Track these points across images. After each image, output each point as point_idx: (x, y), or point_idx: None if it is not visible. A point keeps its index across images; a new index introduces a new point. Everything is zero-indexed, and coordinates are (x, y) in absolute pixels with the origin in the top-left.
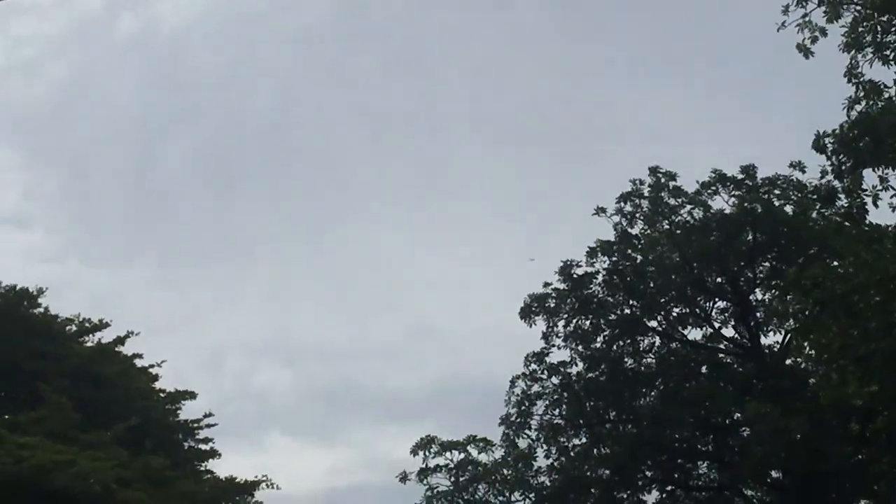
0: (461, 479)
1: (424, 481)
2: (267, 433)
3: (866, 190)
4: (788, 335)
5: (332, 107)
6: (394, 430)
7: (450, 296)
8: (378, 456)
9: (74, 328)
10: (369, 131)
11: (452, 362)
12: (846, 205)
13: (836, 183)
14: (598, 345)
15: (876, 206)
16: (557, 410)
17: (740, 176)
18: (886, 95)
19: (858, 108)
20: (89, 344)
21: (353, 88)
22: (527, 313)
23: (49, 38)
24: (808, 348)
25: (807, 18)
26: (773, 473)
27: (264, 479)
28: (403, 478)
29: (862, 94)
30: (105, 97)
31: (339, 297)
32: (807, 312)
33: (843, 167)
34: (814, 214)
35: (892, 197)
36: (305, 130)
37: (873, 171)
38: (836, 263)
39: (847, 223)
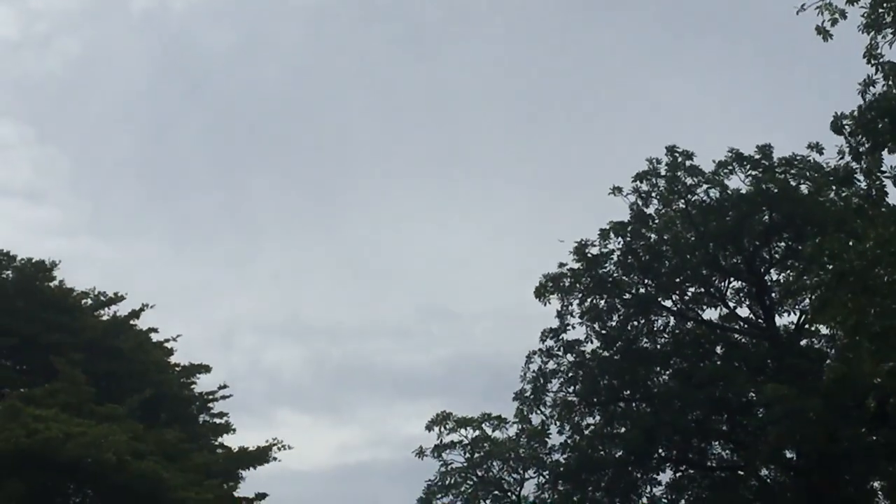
0: (475, 455)
1: (439, 457)
2: (278, 410)
3: (885, 171)
4: (803, 315)
5: (344, 84)
6: (404, 408)
7: (461, 275)
8: (388, 433)
9: (90, 301)
10: (382, 109)
11: (463, 341)
12: (865, 186)
13: (854, 164)
14: (612, 324)
15: (885, 189)
16: (572, 388)
17: (757, 156)
18: None
19: (874, 89)
20: (104, 317)
21: (365, 65)
22: (541, 292)
23: (63, 13)
24: (823, 325)
25: (827, 1)
26: (788, 454)
27: (276, 441)
28: (420, 453)
29: (880, 75)
30: (118, 73)
31: (350, 275)
32: (823, 288)
33: (861, 148)
34: (831, 195)
35: None
36: (317, 108)
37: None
38: (852, 242)
39: (866, 205)
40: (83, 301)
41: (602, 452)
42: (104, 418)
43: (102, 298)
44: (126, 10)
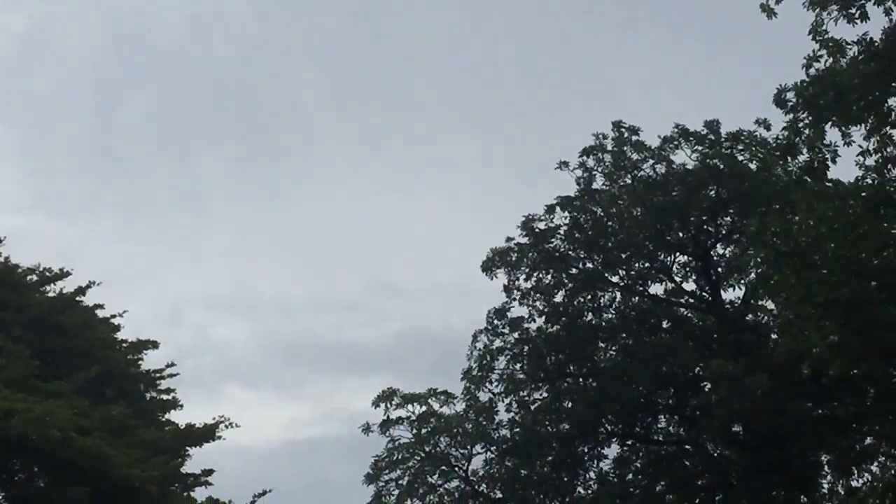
0: (423, 431)
1: (387, 433)
2: (226, 386)
3: (828, 145)
4: (749, 290)
5: (294, 60)
6: (353, 383)
7: (410, 250)
8: (337, 409)
9: (35, 278)
10: (331, 85)
11: (412, 317)
12: (807, 159)
13: (796, 138)
14: (559, 299)
15: (834, 162)
16: (518, 365)
17: (703, 131)
18: (851, 53)
19: (817, 65)
20: (50, 294)
21: (315, 41)
22: (488, 266)
23: None
24: (767, 300)
25: None
26: (734, 428)
27: (222, 419)
28: (366, 429)
29: (824, 51)
30: (66, 49)
31: (298, 251)
32: (766, 265)
33: (802, 123)
34: (778, 171)
35: (857, 155)
36: (267, 84)
37: (837, 128)
38: (796, 217)
39: (808, 178)
40: (28, 277)
41: (548, 427)
42: (49, 395)
43: (48, 275)
44: None
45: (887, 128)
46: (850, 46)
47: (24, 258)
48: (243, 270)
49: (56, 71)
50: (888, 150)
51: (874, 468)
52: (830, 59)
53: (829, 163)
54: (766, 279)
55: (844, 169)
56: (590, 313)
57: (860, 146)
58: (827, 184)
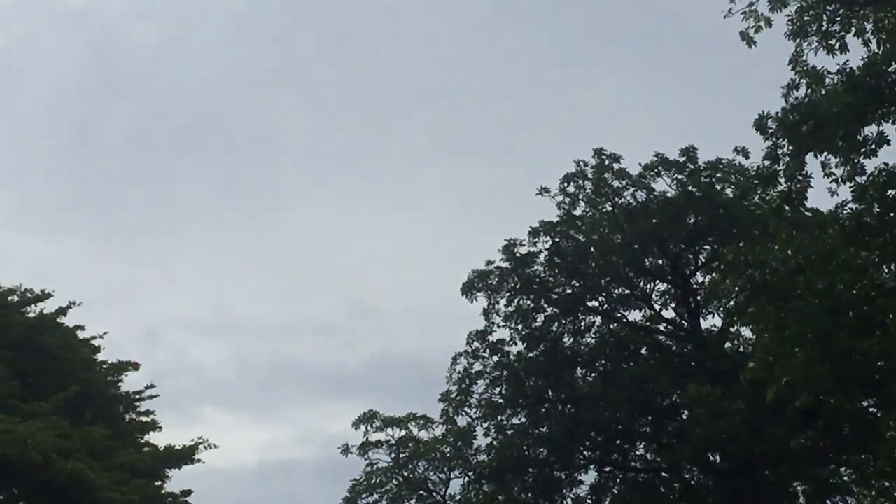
0: (401, 455)
1: (365, 456)
2: (202, 408)
3: (807, 174)
4: (727, 318)
5: (271, 82)
6: (330, 406)
7: (388, 274)
8: (313, 432)
9: (16, 298)
10: (308, 107)
11: (390, 340)
12: (785, 188)
13: (776, 165)
14: (538, 324)
15: (806, 192)
16: (497, 389)
17: (682, 159)
18: (829, 83)
19: (797, 93)
20: (30, 315)
21: (292, 63)
22: (469, 289)
23: None
24: (745, 330)
25: (753, 7)
26: (711, 456)
27: (201, 440)
28: (345, 450)
29: (804, 80)
30: (44, 69)
31: (276, 273)
32: (743, 295)
33: (781, 150)
34: (756, 199)
35: (831, 181)
36: (244, 106)
37: (815, 156)
38: (776, 247)
39: (786, 206)
40: (9, 298)
41: (526, 452)
42: (29, 415)
43: (29, 296)
44: (56, 6)
45: (860, 157)
46: (829, 76)
47: (1, 277)
48: (221, 292)
49: (34, 90)
50: (860, 178)
51: (850, 500)
52: (810, 89)
53: (806, 193)
54: (742, 309)
55: (819, 197)
56: (569, 339)
57: (834, 174)
58: (805, 213)
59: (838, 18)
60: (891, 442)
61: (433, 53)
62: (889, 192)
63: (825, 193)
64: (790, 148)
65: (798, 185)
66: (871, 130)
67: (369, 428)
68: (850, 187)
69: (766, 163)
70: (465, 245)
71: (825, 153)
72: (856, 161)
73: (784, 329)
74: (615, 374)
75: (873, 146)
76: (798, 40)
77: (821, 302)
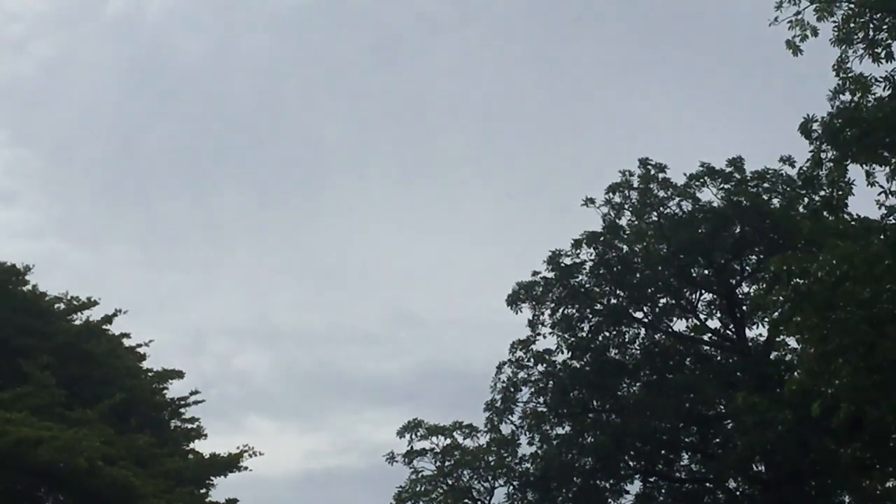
0: (446, 463)
1: (410, 464)
2: (246, 416)
3: (850, 181)
4: (772, 328)
5: (314, 92)
6: (373, 415)
7: (431, 282)
8: (357, 440)
9: (63, 306)
10: (351, 117)
11: (432, 349)
12: (827, 194)
13: (818, 170)
14: (583, 334)
15: (847, 199)
16: (542, 398)
17: (728, 169)
18: (875, 92)
19: (843, 97)
20: (77, 322)
21: (335, 74)
22: (514, 300)
23: (39, 16)
24: (788, 338)
25: (799, 16)
26: (757, 467)
27: (246, 448)
28: (391, 458)
29: (850, 86)
30: (90, 77)
31: (319, 281)
32: (787, 305)
33: (824, 155)
34: (801, 209)
35: (878, 194)
36: (287, 115)
37: (861, 166)
38: (820, 256)
39: (825, 212)
40: (56, 305)
41: (571, 461)
42: (75, 423)
43: (75, 303)
44: (100, 15)
45: None
46: (877, 83)
47: (47, 285)
48: (264, 301)
49: (80, 99)
50: None
51: None
52: (855, 96)
53: (847, 199)
54: (787, 318)
55: (865, 208)
56: (614, 349)
57: (881, 186)
58: (851, 222)
59: (885, 27)
60: None
61: (476, 63)
62: None
63: (869, 202)
64: (834, 153)
65: (840, 192)
66: None
67: (414, 436)
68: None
69: (808, 165)
70: (510, 255)
71: (870, 162)
72: None
73: (828, 340)
74: (660, 383)
75: None
76: (843, 46)
77: (865, 313)
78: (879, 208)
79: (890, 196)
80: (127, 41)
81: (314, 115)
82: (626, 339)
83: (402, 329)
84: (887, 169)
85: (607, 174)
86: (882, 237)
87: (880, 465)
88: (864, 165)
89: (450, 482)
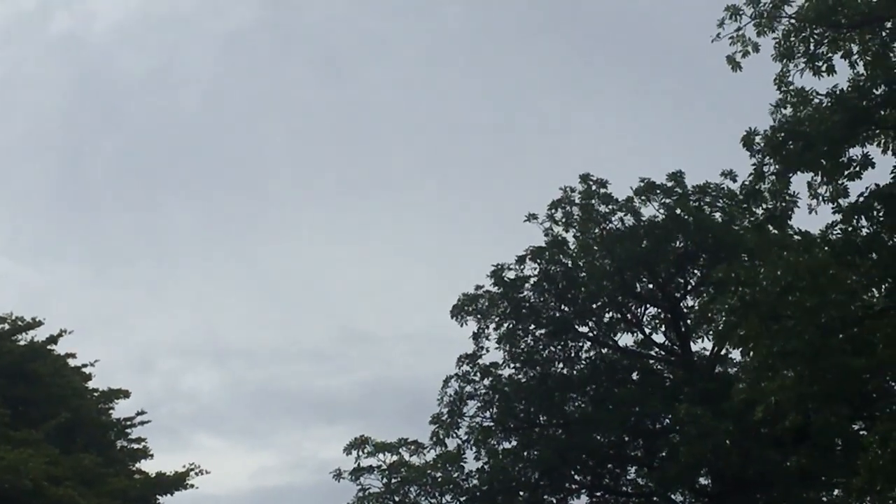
0: (393, 481)
1: (357, 481)
2: (195, 434)
3: (794, 194)
4: (717, 340)
5: (259, 109)
6: (322, 432)
7: (378, 298)
8: (306, 457)
9: (7, 326)
10: (297, 134)
11: (381, 365)
12: (770, 207)
13: (760, 184)
14: (528, 348)
15: (791, 212)
16: (488, 413)
17: (669, 183)
18: (816, 103)
19: (784, 111)
20: (22, 342)
21: (280, 90)
22: (458, 311)
23: None
24: (735, 351)
25: (740, 32)
26: (703, 480)
27: (192, 466)
28: (338, 475)
29: (792, 99)
30: (34, 96)
31: (267, 298)
32: (733, 315)
33: (767, 169)
34: (745, 223)
35: (811, 199)
36: (233, 132)
37: (804, 171)
38: (763, 269)
39: (769, 225)
40: (0, 326)
41: (517, 475)
42: (20, 443)
43: (20, 323)
44: (44, 34)
45: (844, 179)
46: (818, 97)
47: None
48: (212, 319)
49: (24, 117)
50: (843, 200)
51: None
52: (797, 110)
53: (790, 212)
54: (732, 328)
55: (807, 222)
56: (560, 363)
57: (819, 194)
58: (795, 236)
59: (825, 41)
60: (871, 458)
61: (421, 79)
62: (878, 213)
63: (811, 216)
64: (776, 166)
65: (783, 205)
66: (856, 153)
67: (361, 453)
68: (833, 208)
69: (751, 179)
70: (458, 269)
71: (811, 173)
72: (839, 182)
73: (773, 348)
74: (606, 398)
75: (857, 168)
76: (784, 61)
77: (811, 321)
78: (811, 213)
79: (823, 203)
80: (71, 59)
81: (260, 131)
82: (572, 354)
83: (351, 345)
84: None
85: (552, 188)
86: (826, 250)
87: (825, 475)
88: (806, 172)
89: (397, 499)
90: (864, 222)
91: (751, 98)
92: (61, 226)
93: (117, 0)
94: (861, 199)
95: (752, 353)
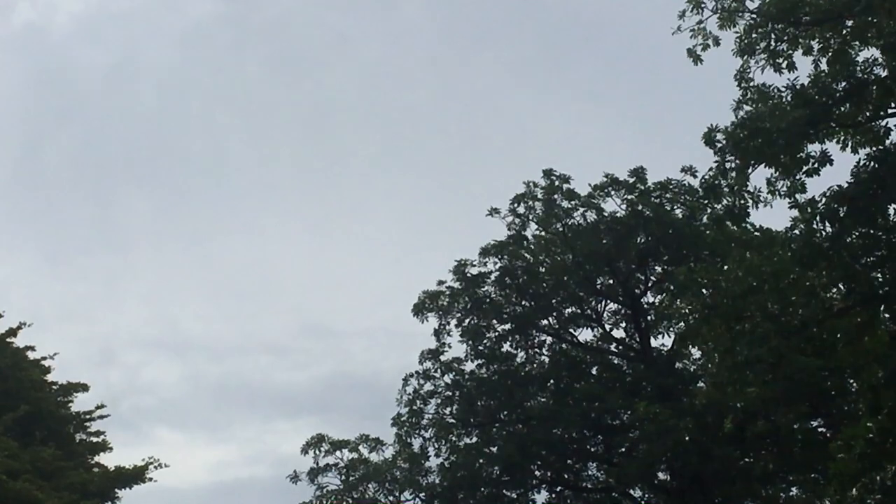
0: (351, 478)
1: (314, 482)
2: (155, 427)
3: (756, 190)
4: (677, 338)
5: (218, 103)
6: (282, 426)
7: (339, 293)
8: (265, 451)
9: None
10: (256, 128)
11: (342, 359)
12: (729, 203)
13: (721, 180)
14: (490, 343)
15: (756, 207)
16: (449, 409)
17: (631, 179)
18: (776, 99)
19: (747, 108)
20: None
21: (239, 85)
22: (420, 310)
23: None
24: (695, 350)
25: (701, 25)
26: (661, 476)
27: (152, 460)
28: (294, 478)
29: (753, 96)
30: None
31: (227, 293)
32: (696, 315)
33: (728, 165)
34: (704, 219)
35: (768, 193)
36: (191, 126)
37: (765, 166)
38: (726, 267)
39: (729, 222)
40: None
41: (478, 471)
42: None
43: None
44: (6, 26)
45: (802, 175)
46: (780, 92)
47: None
48: (171, 312)
49: None
50: (800, 196)
51: None
52: (757, 106)
53: (751, 209)
54: (695, 330)
55: (767, 218)
56: (521, 358)
57: (777, 190)
58: (755, 233)
59: (786, 37)
60: (841, 465)
61: (380, 75)
62: (838, 213)
63: (771, 211)
64: (737, 162)
65: (742, 201)
66: (814, 149)
67: (318, 452)
68: (790, 204)
69: (711, 174)
70: (419, 264)
71: (770, 169)
72: (797, 178)
73: (736, 352)
74: (567, 393)
75: (816, 165)
76: (745, 57)
77: (773, 324)
78: (765, 206)
79: (779, 198)
80: (32, 51)
81: (218, 125)
82: (533, 349)
83: (311, 340)
84: (782, 173)
85: (514, 184)
86: (787, 251)
87: (784, 473)
88: (767, 167)
89: (355, 496)
90: (826, 227)
91: (713, 94)
92: (18, 220)
93: None
94: (822, 200)
95: (716, 359)
